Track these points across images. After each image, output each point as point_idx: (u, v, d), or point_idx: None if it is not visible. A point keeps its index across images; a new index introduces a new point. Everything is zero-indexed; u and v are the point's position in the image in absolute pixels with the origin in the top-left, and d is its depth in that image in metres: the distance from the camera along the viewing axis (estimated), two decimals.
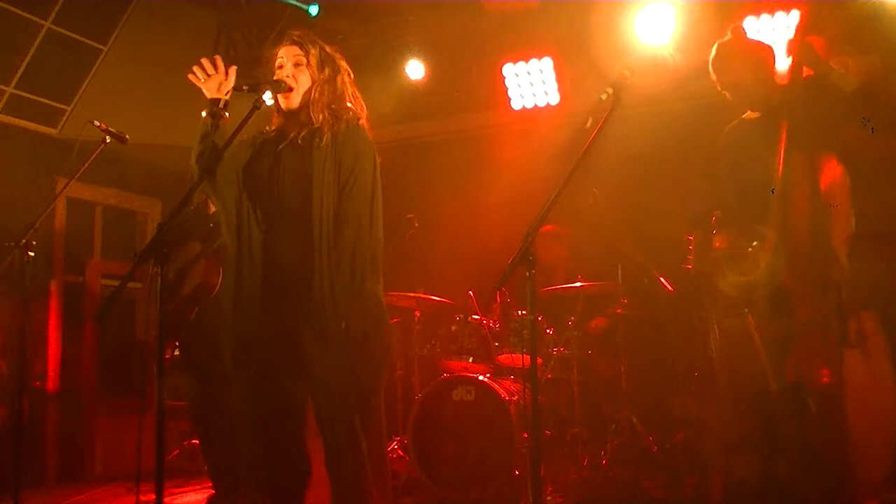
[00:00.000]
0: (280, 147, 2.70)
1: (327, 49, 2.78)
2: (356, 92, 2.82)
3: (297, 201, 2.61)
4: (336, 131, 2.65)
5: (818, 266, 2.43)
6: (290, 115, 2.74)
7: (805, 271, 2.46)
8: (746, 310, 2.58)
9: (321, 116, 2.68)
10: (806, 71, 2.63)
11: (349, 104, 2.75)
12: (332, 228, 2.56)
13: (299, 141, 2.66)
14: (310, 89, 2.70)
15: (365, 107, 2.82)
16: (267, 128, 2.83)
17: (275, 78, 2.71)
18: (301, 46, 2.73)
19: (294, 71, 2.70)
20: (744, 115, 2.93)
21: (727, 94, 2.93)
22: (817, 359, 2.38)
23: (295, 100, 2.71)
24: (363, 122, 2.75)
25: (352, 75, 2.83)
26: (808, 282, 2.45)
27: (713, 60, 2.90)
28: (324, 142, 2.63)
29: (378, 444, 2.70)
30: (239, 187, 2.69)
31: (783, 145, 2.55)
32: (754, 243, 2.65)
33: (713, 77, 2.94)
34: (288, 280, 2.59)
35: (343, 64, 2.82)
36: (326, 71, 2.73)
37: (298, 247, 2.58)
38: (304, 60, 2.71)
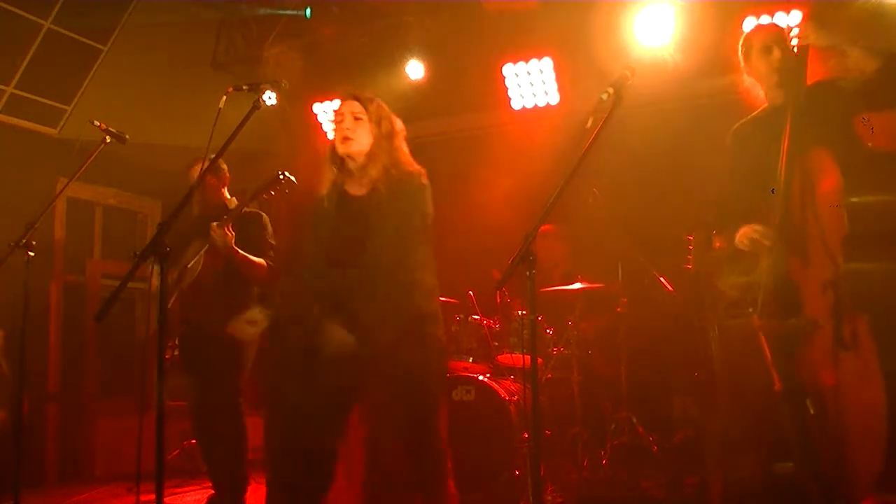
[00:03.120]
0: (347, 204, 2.90)
1: (384, 107, 2.96)
2: (407, 149, 3.00)
3: (363, 249, 2.80)
4: (401, 190, 2.84)
5: (819, 264, 2.45)
6: (348, 169, 2.93)
7: (808, 269, 2.48)
8: (751, 309, 2.59)
9: (379, 173, 2.85)
10: (812, 74, 2.64)
11: (408, 166, 2.92)
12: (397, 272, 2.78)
13: (368, 200, 2.86)
14: (374, 143, 2.88)
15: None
16: (320, 188, 2.97)
17: (336, 131, 2.89)
18: (361, 102, 2.91)
19: (354, 125, 2.88)
20: (752, 114, 2.93)
21: (752, 83, 2.91)
22: (820, 359, 2.39)
23: (353, 148, 2.88)
24: (426, 181, 2.93)
25: (405, 132, 3.01)
26: (812, 280, 2.47)
27: (746, 45, 2.90)
28: (386, 197, 2.82)
29: None
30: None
31: (787, 142, 2.57)
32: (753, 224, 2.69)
33: (741, 63, 2.93)
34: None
35: (397, 121, 2.98)
36: (384, 126, 2.91)
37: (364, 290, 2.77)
38: (365, 116, 2.89)
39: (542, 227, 2.28)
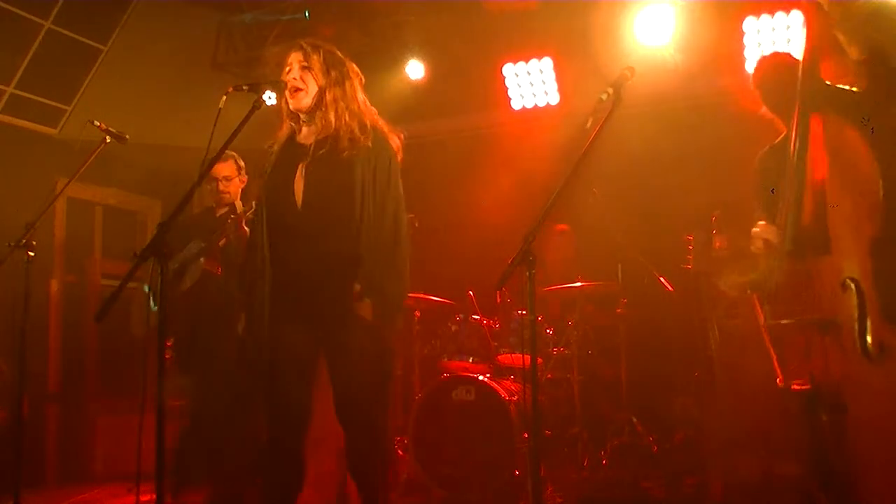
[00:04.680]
0: (303, 161, 2.76)
1: (337, 54, 2.85)
2: (365, 97, 2.87)
3: (331, 210, 2.70)
4: (361, 140, 2.73)
5: (838, 260, 2.26)
6: (302, 119, 2.82)
7: (825, 265, 2.29)
8: (761, 304, 2.51)
9: (335, 121, 2.74)
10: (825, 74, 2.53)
11: (363, 109, 2.82)
12: (377, 228, 2.69)
13: (325, 154, 2.72)
14: (319, 92, 2.76)
15: (375, 111, 2.89)
16: (274, 140, 2.89)
17: (287, 83, 2.77)
18: (304, 52, 2.80)
19: (301, 73, 2.78)
20: (774, 142, 2.82)
21: (768, 107, 2.79)
22: (832, 363, 2.25)
23: (304, 101, 2.77)
24: (382, 125, 2.84)
25: (363, 80, 2.89)
26: (828, 277, 2.29)
27: (758, 75, 2.80)
28: (351, 151, 2.70)
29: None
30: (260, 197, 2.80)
31: (798, 112, 2.37)
32: (761, 222, 2.57)
33: (756, 92, 2.81)
34: (309, 286, 2.69)
35: (352, 67, 2.87)
36: (333, 74, 2.79)
37: (327, 251, 2.69)
38: (309, 65, 2.78)
39: (558, 227, 2.23)
